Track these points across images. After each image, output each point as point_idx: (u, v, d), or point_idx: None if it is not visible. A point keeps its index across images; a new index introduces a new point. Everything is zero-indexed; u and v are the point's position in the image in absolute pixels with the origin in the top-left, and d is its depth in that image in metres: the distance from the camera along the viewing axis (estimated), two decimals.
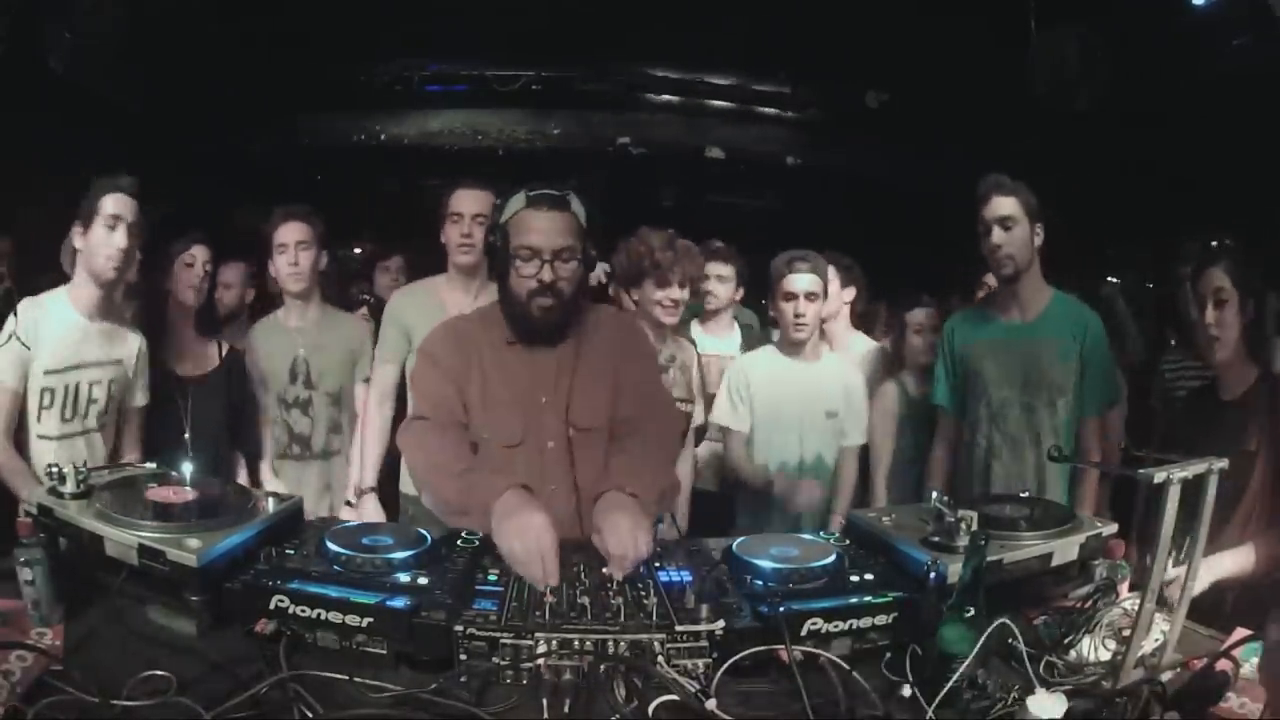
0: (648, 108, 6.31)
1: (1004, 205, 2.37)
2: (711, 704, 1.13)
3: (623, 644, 1.25)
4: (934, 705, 1.19)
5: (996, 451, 2.48)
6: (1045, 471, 2.39)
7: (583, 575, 1.43)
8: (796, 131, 6.46)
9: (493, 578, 1.43)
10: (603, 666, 1.20)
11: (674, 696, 1.15)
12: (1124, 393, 2.75)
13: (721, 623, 1.28)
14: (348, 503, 2.66)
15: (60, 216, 2.27)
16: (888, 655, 1.35)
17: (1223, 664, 1.26)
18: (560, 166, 5.73)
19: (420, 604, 1.30)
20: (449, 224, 2.54)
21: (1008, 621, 1.24)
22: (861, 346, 3.09)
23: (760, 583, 1.45)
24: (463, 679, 1.22)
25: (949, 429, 2.66)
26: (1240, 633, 1.36)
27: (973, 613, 1.23)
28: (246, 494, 1.64)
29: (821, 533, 1.83)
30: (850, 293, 3.05)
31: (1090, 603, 1.47)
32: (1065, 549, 1.55)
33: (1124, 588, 1.55)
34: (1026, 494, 1.93)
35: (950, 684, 1.21)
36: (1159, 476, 1.26)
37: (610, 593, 1.36)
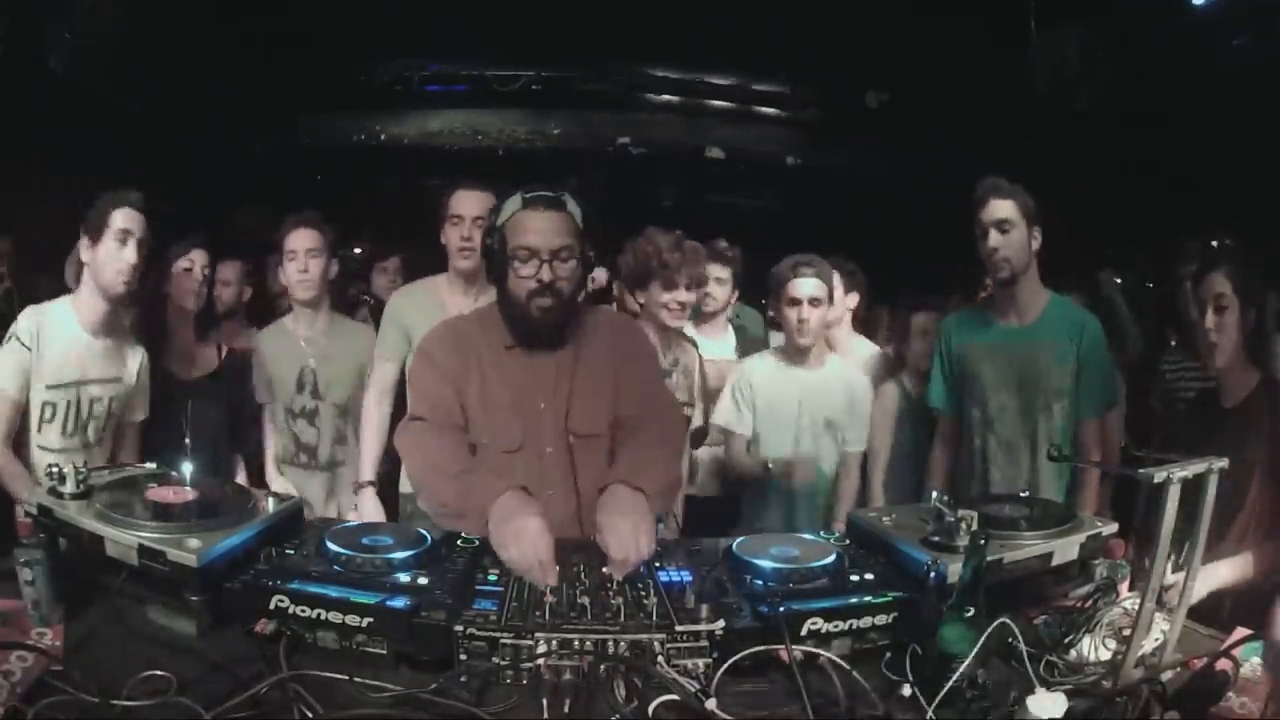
0: (648, 108, 6.32)
1: (1001, 208, 2.37)
2: (711, 704, 1.13)
3: (623, 644, 1.25)
4: (934, 705, 1.19)
5: (992, 455, 2.49)
6: (1040, 475, 2.39)
7: (583, 575, 1.43)
8: (796, 131, 6.46)
9: (493, 578, 1.43)
10: (603, 666, 1.20)
11: (674, 696, 1.15)
12: (1122, 393, 2.75)
13: (721, 623, 1.28)
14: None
15: (60, 217, 2.28)
16: (888, 655, 1.35)
17: (1223, 664, 1.26)
18: (560, 166, 5.72)
19: (420, 604, 1.30)
20: (449, 226, 2.53)
21: (1008, 621, 1.24)
22: (864, 351, 3.09)
23: (760, 583, 1.45)
24: (463, 679, 1.22)
25: (947, 429, 2.66)
26: (1240, 633, 1.36)
27: (973, 613, 1.23)
28: (246, 494, 1.64)
29: (821, 533, 1.83)
30: (853, 298, 3.05)
31: (1090, 603, 1.47)
32: (1065, 549, 1.55)
33: (1124, 587, 1.55)
34: (1026, 494, 1.93)
35: (950, 684, 1.21)
36: (1159, 476, 1.26)
37: (610, 593, 1.35)
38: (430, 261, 2.74)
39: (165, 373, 2.62)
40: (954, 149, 5.29)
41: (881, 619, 1.38)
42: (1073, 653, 1.42)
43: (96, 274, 2.16)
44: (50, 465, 1.51)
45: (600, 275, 3.03)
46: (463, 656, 1.25)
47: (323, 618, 1.30)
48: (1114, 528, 1.63)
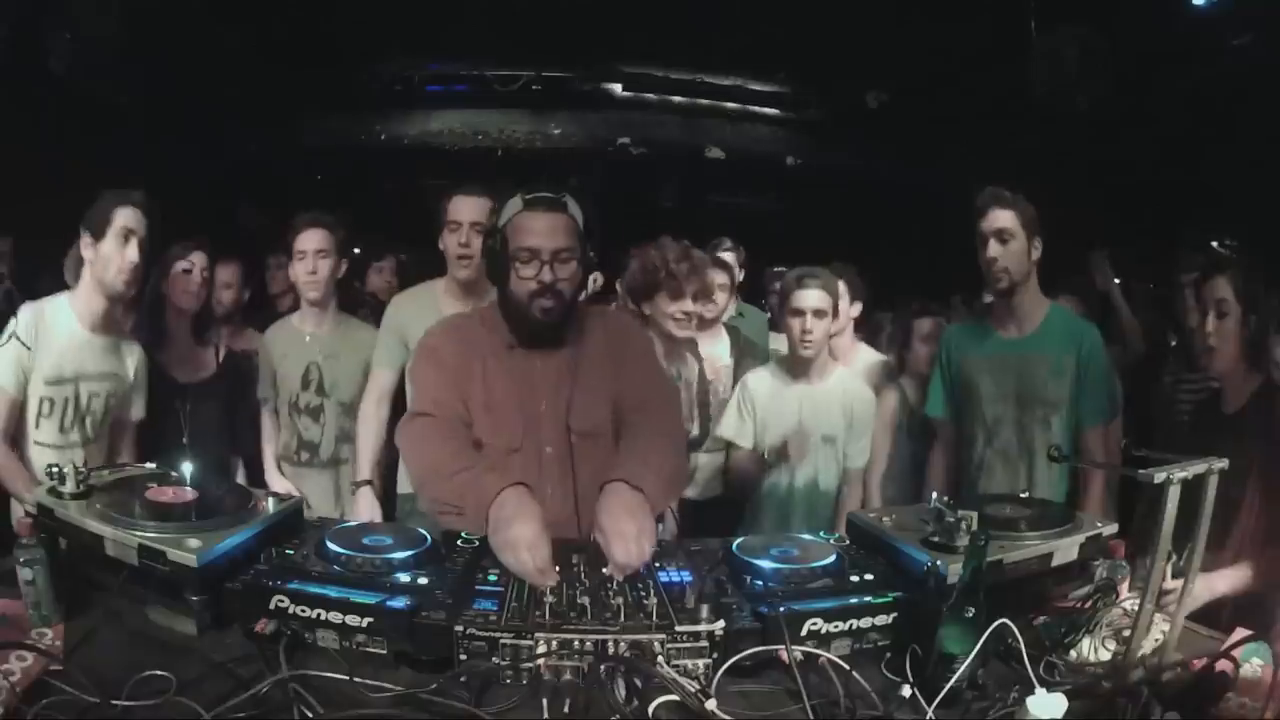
0: (648, 108, 6.32)
1: (1001, 218, 2.36)
2: (711, 704, 1.13)
3: (623, 644, 1.25)
4: (934, 705, 1.19)
5: (989, 466, 2.48)
6: (1037, 487, 2.38)
7: (583, 575, 1.43)
8: (796, 131, 6.47)
9: (493, 578, 1.43)
10: (603, 666, 1.20)
11: (674, 696, 1.14)
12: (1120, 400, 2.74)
13: (721, 623, 1.28)
14: None
15: (60, 217, 2.27)
16: (888, 655, 1.35)
17: (1223, 664, 1.26)
18: (560, 166, 5.73)
19: (420, 604, 1.30)
20: (447, 231, 2.51)
21: (1008, 621, 1.24)
22: (867, 359, 3.08)
23: (760, 583, 1.45)
24: (463, 679, 1.22)
25: (946, 438, 2.66)
26: (1240, 633, 1.36)
27: (973, 613, 1.23)
28: (246, 494, 1.64)
29: (821, 533, 1.83)
30: (857, 307, 3.05)
31: (1090, 603, 1.47)
32: (1065, 549, 1.55)
33: (1124, 588, 1.55)
34: (1026, 494, 1.93)
35: (950, 684, 1.21)
36: (1159, 476, 1.26)
37: (610, 593, 1.35)
38: (430, 260, 2.73)
39: (164, 374, 2.62)
40: (954, 149, 5.29)
41: (881, 619, 1.38)
42: (1073, 653, 1.42)
43: (98, 272, 2.17)
44: (50, 465, 1.51)
45: (600, 278, 3.03)
46: (463, 656, 1.25)
47: (323, 618, 1.30)
48: (1114, 528, 1.63)
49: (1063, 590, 1.55)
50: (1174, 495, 1.28)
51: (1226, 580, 1.80)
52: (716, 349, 3.08)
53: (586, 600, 1.32)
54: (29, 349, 2.13)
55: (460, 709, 1.16)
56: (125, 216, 2.15)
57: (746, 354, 3.12)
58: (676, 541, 1.77)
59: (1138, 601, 1.36)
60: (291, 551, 1.46)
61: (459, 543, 1.58)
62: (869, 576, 1.47)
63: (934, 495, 1.60)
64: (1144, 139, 4.67)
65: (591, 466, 1.72)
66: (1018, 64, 4.57)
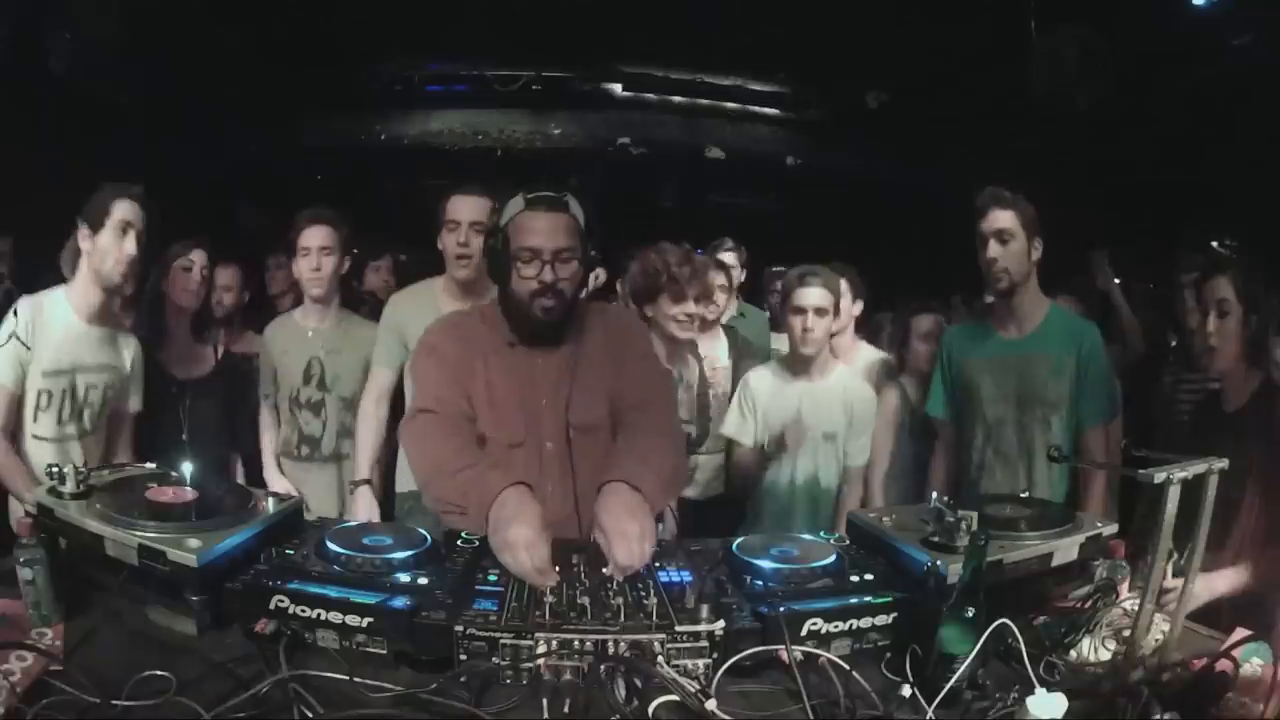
0: (648, 108, 6.32)
1: (1001, 219, 2.36)
2: (711, 704, 1.13)
3: (623, 644, 1.25)
4: (934, 705, 1.19)
5: (989, 466, 2.49)
6: (1036, 487, 2.38)
7: (583, 575, 1.43)
8: (796, 131, 6.46)
9: (493, 578, 1.43)
10: (603, 666, 1.20)
11: (674, 696, 1.14)
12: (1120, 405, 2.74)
13: (721, 623, 1.28)
14: None
15: (61, 217, 2.27)
16: (888, 655, 1.36)
17: (1223, 664, 1.26)
18: (560, 166, 5.73)
19: (420, 604, 1.30)
20: (445, 231, 2.51)
21: (1008, 621, 1.24)
22: (868, 358, 3.09)
23: (760, 583, 1.45)
24: (463, 679, 1.22)
25: (947, 438, 2.67)
26: (1240, 633, 1.36)
27: (973, 613, 1.23)
28: (246, 494, 1.64)
29: (821, 533, 1.83)
30: (858, 306, 3.05)
31: (1090, 603, 1.47)
32: (1065, 549, 1.55)
33: (1124, 588, 1.55)
34: (1026, 494, 1.93)
35: (950, 684, 1.21)
36: (1159, 476, 1.26)
37: (610, 593, 1.35)
38: (429, 259, 2.73)
39: (163, 371, 2.62)
40: (954, 149, 5.29)
41: (881, 619, 1.38)
42: (1073, 653, 1.42)
43: (94, 263, 2.17)
44: (50, 465, 1.51)
45: (602, 274, 3.03)
46: (463, 656, 1.25)
47: (323, 618, 1.30)
48: (1114, 528, 1.63)
49: (1063, 590, 1.55)
50: (1174, 495, 1.28)
51: (1226, 580, 1.81)
52: (715, 350, 3.09)
53: (586, 600, 1.32)
54: (29, 349, 2.13)
55: (460, 709, 1.16)
56: (123, 209, 2.16)
57: (745, 354, 3.13)
58: (676, 541, 1.77)
59: (1138, 601, 1.36)
60: (291, 551, 1.46)
61: (459, 543, 1.58)
62: (869, 576, 1.47)
63: (934, 495, 1.60)
64: (1144, 139, 4.67)
65: (591, 461, 1.73)
66: (1018, 64, 4.57)
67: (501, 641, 1.25)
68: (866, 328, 3.30)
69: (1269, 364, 1.96)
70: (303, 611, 1.31)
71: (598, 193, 1.80)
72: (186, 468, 1.61)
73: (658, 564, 1.48)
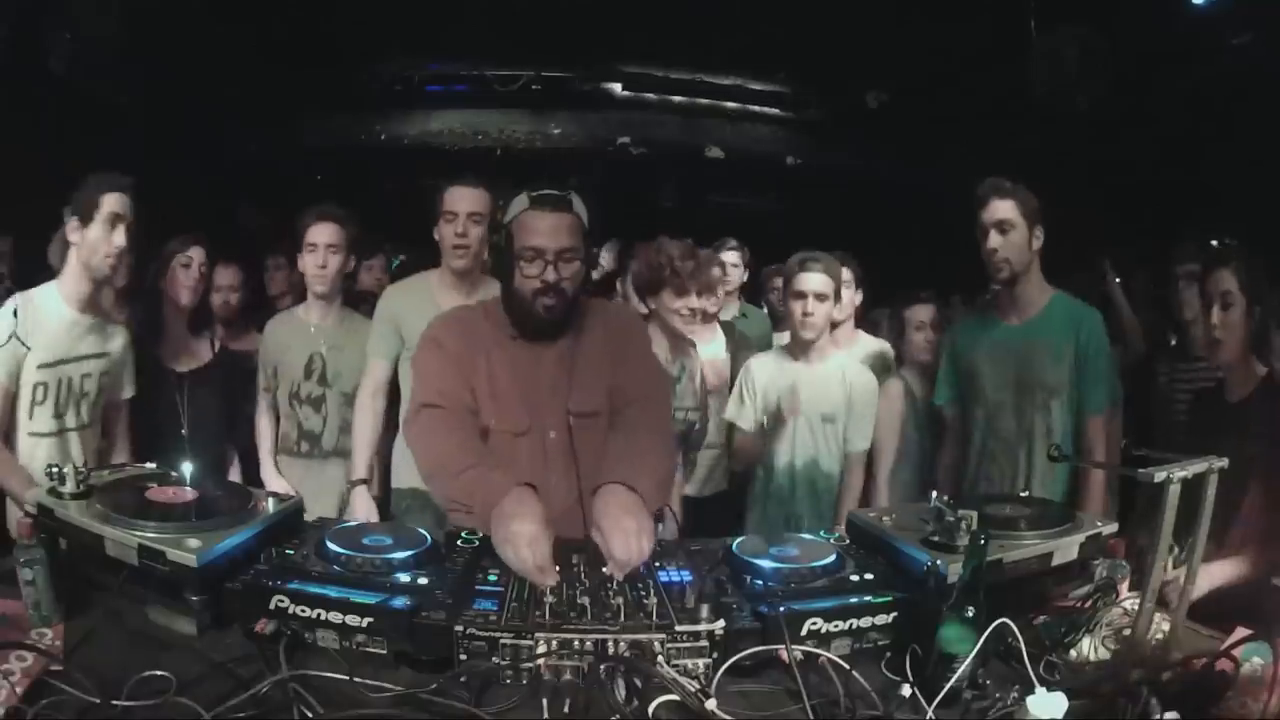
0: (648, 108, 6.32)
1: (1001, 209, 2.37)
2: (711, 704, 1.13)
3: (623, 644, 1.25)
4: (934, 705, 1.19)
5: (990, 453, 2.49)
6: (1036, 472, 2.39)
7: (583, 575, 1.43)
8: (796, 131, 6.46)
9: (493, 578, 1.43)
10: (603, 666, 1.20)
11: (674, 696, 1.15)
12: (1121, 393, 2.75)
13: (721, 623, 1.28)
14: None
15: (60, 217, 2.27)
16: (888, 655, 1.36)
17: (1223, 664, 1.26)
18: (560, 166, 5.73)
19: (420, 604, 1.30)
20: (443, 222, 2.52)
21: (1008, 621, 1.24)
22: (867, 348, 3.08)
23: (760, 583, 1.45)
24: (463, 679, 1.22)
25: (955, 428, 2.68)
26: (1240, 632, 1.36)
27: (973, 613, 1.23)
28: (246, 494, 1.64)
29: (821, 532, 1.83)
30: (859, 295, 3.06)
31: (1090, 602, 1.47)
32: (1065, 549, 1.55)
33: (1124, 587, 1.55)
34: (1026, 494, 1.93)
35: (950, 684, 1.21)
36: (1159, 476, 1.26)
37: (610, 593, 1.35)
38: (429, 258, 2.73)
39: (160, 365, 2.62)
40: (954, 149, 5.29)
41: (881, 619, 1.38)
42: (1073, 653, 1.42)
43: (84, 255, 2.17)
44: (50, 465, 1.51)
45: (606, 262, 3.03)
46: (463, 656, 1.25)
47: (323, 618, 1.30)
48: (1114, 527, 1.63)
49: (1063, 590, 1.55)
50: (1174, 495, 1.28)
51: (1226, 570, 1.80)
52: (712, 345, 3.10)
53: (586, 600, 1.33)
54: (28, 349, 2.13)
55: (460, 709, 1.16)
56: (113, 202, 2.15)
57: (743, 347, 3.14)
58: (677, 541, 1.78)
59: (1138, 601, 1.36)
60: (291, 551, 1.46)
61: (459, 543, 1.58)
62: (869, 576, 1.47)
63: (934, 495, 1.60)
64: (1144, 139, 4.66)
65: (592, 448, 1.76)
66: (1018, 64, 4.57)
67: (501, 641, 1.25)
68: (864, 324, 3.30)
69: (1272, 355, 1.97)
70: (303, 611, 1.31)
71: (598, 193, 1.80)
72: (186, 467, 1.61)
73: (658, 564, 1.49)
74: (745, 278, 3.83)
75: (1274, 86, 3.77)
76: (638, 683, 1.18)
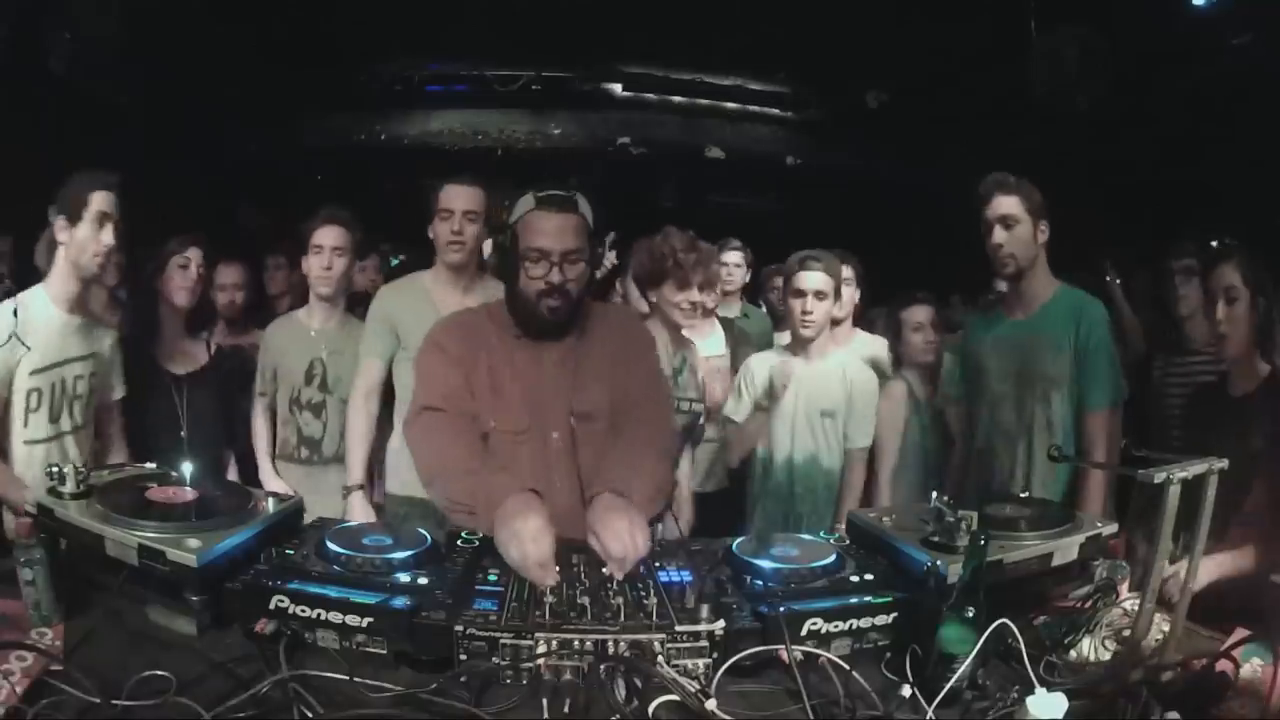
0: (648, 108, 6.32)
1: (1005, 204, 2.37)
2: (711, 704, 1.13)
3: (623, 644, 1.25)
4: (934, 705, 1.19)
5: (991, 445, 2.50)
6: (1035, 469, 2.39)
7: (583, 575, 1.43)
8: (796, 131, 6.47)
9: (493, 578, 1.43)
10: (603, 666, 1.20)
11: (674, 696, 1.14)
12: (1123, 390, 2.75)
13: (721, 623, 1.28)
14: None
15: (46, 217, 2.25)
16: (888, 655, 1.35)
17: (1223, 664, 1.26)
18: (560, 166, 5.73)
19: (420, 604, 1.30)
20: (438, 220, 2.52)
21: (1008, 621, 1.24)
22: (864, 343, 3.08)
23: (760, 583, 1.45)
24: (463, 679, 1.22)
25: (964, 427, 2.70)
26: (1240, 633, 1.36)
27: (973, 613, 1.23)
28: (246, 494, 1.64)
29: (821, 532, 1.83)
30: (857, 294, 3.06)
31: (1090, 603, 1.47)
32: (1065, 549, 1.55)
33: (1124, 587, 1.55)
34: (1026, 494, 1.93)
35: (950, 684, 1.21)
36: (1159, 476, 1.26)
37: (610, 593, 1.35)
38: (429, 259, 2.73)
39: (157, 366, 2.62)
40: (954, 149, 5.29)
41: (881, 619, 1.38)
42: (1073, 653, 1.42)
43: (72, 255, 2.15)
44: (51, 465, 1.51)
45: (612, 257, 3.03)
46: (463, 656, 1.25)
47: (323, 618, 1.30)
48: (1114, 528, 1.63)
49: (1063, 590, 1.55)
50: (1174, 495, 1.28)
51: (1226, 562, 1.80)
52: (711, 340, 3.10)
53: (586, 600, 1.32)
54: (29, 349, 2.12)
55: (460, 709, 1.16)
56: (101, 200, 2.13)
57: (742, 344, 3.14)
58: (677, 541, 1.77)
59: (1138, 601, 1.36)
60: (291, 551, 1.46)
61: (459, 543, 1.58)
62: (869, 576, 1.46)
63: (934, 495, 1.60)
64: (1144, 139, 4.66)
65: (593, 449, 1.76)
66: (1018, 64, 4.57)
67: (501, 641, 1.25)
68: (861, 323, 3.30)
69: (1275, 352, 1.97)
70: (303, 611, 1.30)
71: (598, 193, 1.80)
72: (186, 467, 1.61)
73: (658, 564, 1.49)
74: (748, 278, 3.83)
75: (1274, 86, 3.77)
76: (638, 683, 1.18)
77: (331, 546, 1.44)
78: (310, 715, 1.12)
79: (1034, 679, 1.24)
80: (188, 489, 1.57)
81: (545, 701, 1.14)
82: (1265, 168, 3.71)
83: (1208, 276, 2.07)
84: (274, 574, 1.37)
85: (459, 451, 1.66)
